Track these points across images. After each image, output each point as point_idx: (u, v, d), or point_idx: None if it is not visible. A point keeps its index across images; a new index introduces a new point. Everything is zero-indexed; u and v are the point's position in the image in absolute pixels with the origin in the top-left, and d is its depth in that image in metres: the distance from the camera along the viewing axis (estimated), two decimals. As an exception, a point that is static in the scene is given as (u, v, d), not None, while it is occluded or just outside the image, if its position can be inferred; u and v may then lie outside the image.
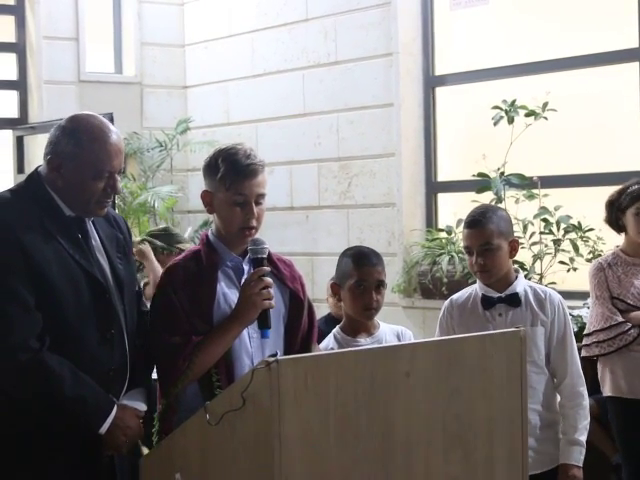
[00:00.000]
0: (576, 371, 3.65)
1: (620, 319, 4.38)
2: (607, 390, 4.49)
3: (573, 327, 3.99)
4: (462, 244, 3.78)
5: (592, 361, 4.62)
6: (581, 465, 3.58)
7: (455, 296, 3.80)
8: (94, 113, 3.06)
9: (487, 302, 3.66)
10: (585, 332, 4.53)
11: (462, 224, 6.16)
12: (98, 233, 3.05)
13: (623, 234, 4.59)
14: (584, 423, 3.61)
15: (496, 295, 3.65)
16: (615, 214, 4.58)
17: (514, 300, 3.64)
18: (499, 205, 5.79)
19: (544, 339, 3.62)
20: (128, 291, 3.07)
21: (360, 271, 3.46)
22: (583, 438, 3.60)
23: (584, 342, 4.50)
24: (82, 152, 2.92)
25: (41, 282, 2.82)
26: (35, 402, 2.82)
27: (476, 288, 3.73)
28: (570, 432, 3.59)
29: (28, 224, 2.86)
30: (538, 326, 3.61)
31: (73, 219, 2.97)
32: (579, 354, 4.51)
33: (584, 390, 3.65)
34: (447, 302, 3.80)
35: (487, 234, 3.59)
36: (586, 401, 3.64)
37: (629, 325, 4.37)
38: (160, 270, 5.51)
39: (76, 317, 2.87)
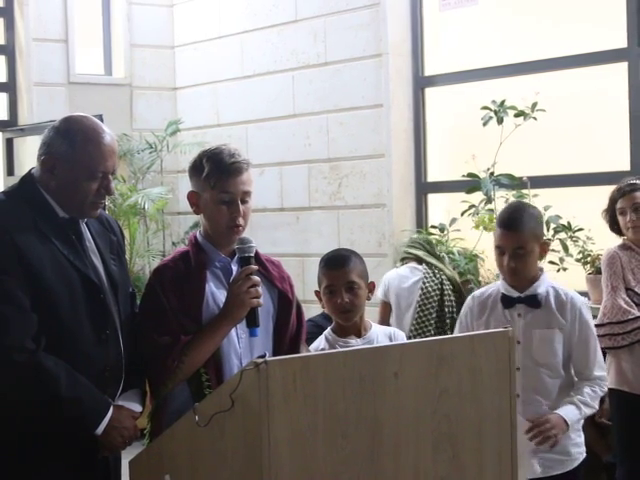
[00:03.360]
0: (600, 375, 3.60)
1: (637, 313, 4.33)
2: (612, 382, 4.41)
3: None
4: (494, 242, 3.65)
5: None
6: (569, 426, 3.49)
7: (477, 292, 3.78)
8: (88, 114, 3.07)
9: (507, 301, 3.63)
10: (597, 323, 4.38)
11: (455, 223, 6.27)
12: (92, 234, 3.06)
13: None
14: (593, 403, 3.55)
15: (516, 295, 3.61)
16: (612, 219, 4.56)
17: (533, 301, 3.59)
18: (489, 205, 5.81)
19: (562, 342, 3.56)
20: (122, 292, 3.08)
21: (328, 275, 3.49)
22: (586, 410, 3.53)
23: (596, 333, 4.44)
24: (76, 153, 2.93)
25: (36, 283, 2.82)
26: (31, 403, 2.81)
27: (499, 285, 3.69)
28: (578, 400, 3.52)
29: (22, 226, 2.86)
30: (555, 329, 3.56)
31: (67, 221, 2.97)
32: None
33: (605, 385, 3.62)
34: (469, 298, 3.78)
35: (523, 239, 3.53)
36: (600, 396, 3.59)
37: None
38: None
39: (71, 318, 2.87)
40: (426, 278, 5.65)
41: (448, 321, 5.62)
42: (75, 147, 2.93)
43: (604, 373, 3.65)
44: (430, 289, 5.60)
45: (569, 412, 3.51)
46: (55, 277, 2.85)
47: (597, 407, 3.61)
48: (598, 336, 4.36)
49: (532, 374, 3.54)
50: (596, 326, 4.41)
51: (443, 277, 5.67)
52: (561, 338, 3.57)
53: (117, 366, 3.00)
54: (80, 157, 2.93)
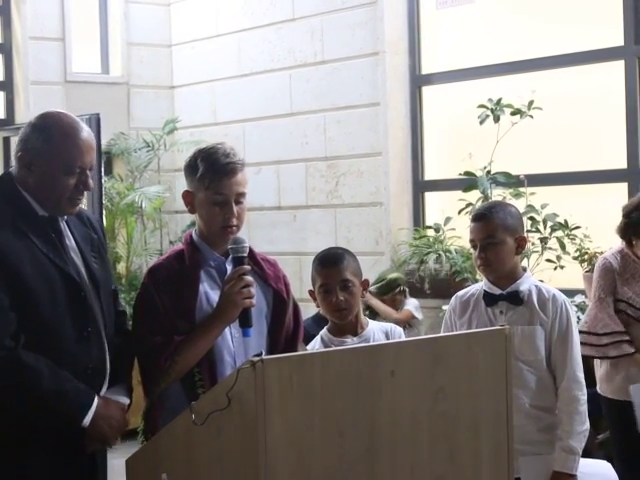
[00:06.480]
0: (573, 375, 3.53)
1: (617, 328, 4.25)
2: (606, 391, 4.38)
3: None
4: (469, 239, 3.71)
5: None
6: (574, 473, 3.47)
7: (460, 292, 3.76)
8: (65, 111, 3.05)
9: (489, 299, 3.62)
10: (580, 329, 4.25)
11: (451, 222, 6.28)
12: (72, 233, 3.03)
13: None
14: (580, 429, 3.49)
15: (498, 292, 3.60)
16: (630, 235, 4.34)
17: (515, 298, 3.58)
18: (486, 204, 5.82)
19: (543, 339, 3.54)
20: (104, 290, 3.05)
21: (322, 274, 3.48)
22: (578, 445, 3.48)
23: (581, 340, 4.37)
24: (53, 148, 2.90)
25: (15, 282, 2.79)
26: (14, 400, 2.79)
27: (482, 285, 3.69)
28: (565, 438, 3.48)
29: (0, 224, 2.84)
30: (537, 325, 3.54)
31: (46, 219, 2.94)
32: None
33: (581, 395, 3.53)
34: (452, 298, 3.77)
35: (491, 227, 3.54)
36: (583, 406, 3.52)
37: (626, 337, 4.24)
38: (388, 310, 6.09)
39: (52, 316, 2.85)
40: None
41: None
42: (52, 142, 2.90)
43: (580, 392, 3.53)
44: None
45: (569, 462, 3.46)
46: (35, 275, 2.82)
47: (586, 431, 3.52)
48: (581, 343, 4.34)
49: (513, 370, 3.50)
50: (579, 332, 4.38)
51: None
52: (543, 335, 3.55)
53: (100, 364, 2.97)
54: (57, 152, 2.90)
